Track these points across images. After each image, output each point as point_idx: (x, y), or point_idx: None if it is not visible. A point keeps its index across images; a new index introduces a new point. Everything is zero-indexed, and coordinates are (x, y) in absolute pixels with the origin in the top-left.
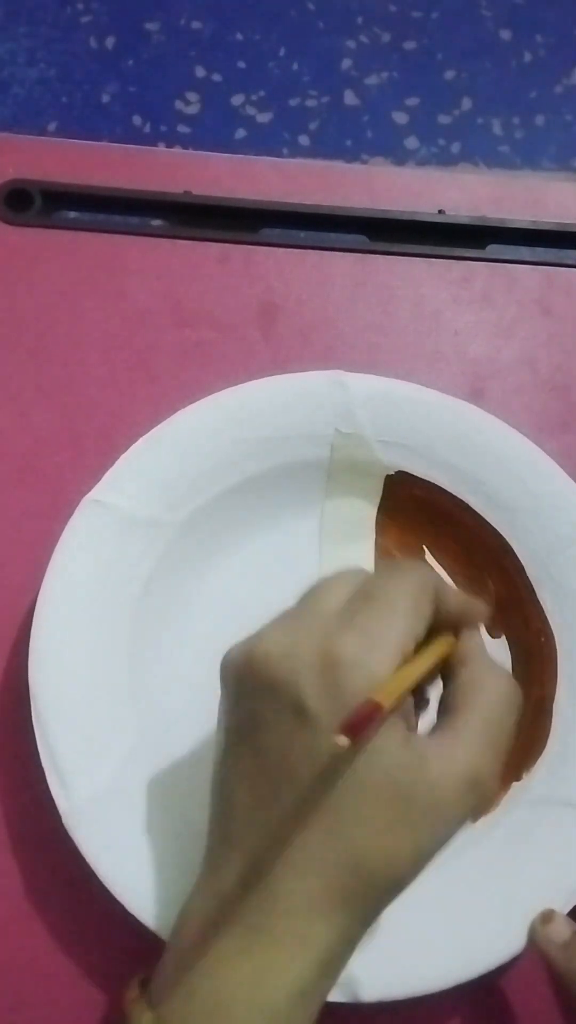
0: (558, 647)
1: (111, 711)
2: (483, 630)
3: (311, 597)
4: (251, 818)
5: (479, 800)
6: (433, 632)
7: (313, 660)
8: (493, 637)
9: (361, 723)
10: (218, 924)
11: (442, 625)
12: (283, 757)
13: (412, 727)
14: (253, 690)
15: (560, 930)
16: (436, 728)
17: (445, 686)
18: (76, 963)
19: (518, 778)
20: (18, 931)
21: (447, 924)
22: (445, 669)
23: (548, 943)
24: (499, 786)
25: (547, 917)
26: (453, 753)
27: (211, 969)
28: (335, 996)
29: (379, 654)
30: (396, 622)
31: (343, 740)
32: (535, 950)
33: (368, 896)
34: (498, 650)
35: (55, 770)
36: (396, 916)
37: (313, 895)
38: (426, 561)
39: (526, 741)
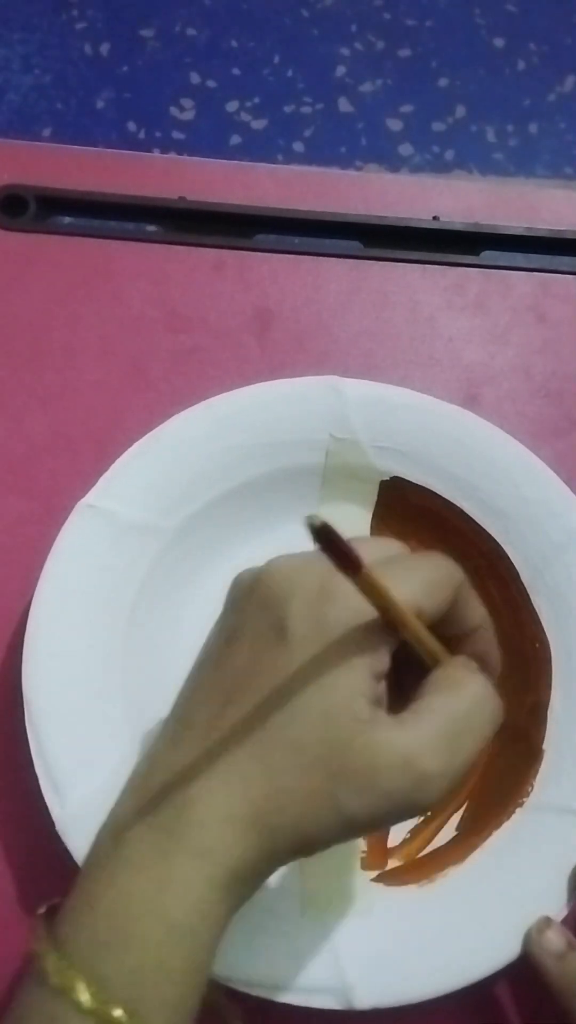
0: (553, 653)
1: (105, 717)
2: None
3: None
4: (194, 721)
5: (415, 788)
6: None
7: (311, 587)
8: None
9: (336, 548)
10: (131, 826)
11: (451, 632)
12: (248, 669)
13: (380, 703)
14: (248, 602)
15: (555, 940)
16: (403, 709)
17: (427, 675)
18: None
19: (515, 784)
20: (11, 938)
21: (442, 930)
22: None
23: (543, 952)
24: (449, 787)
25: (542, 926)
26: (403, 729)
27: (115, 877)
28: (330, 1003)
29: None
30: (402, 585)
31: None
32: (530, 958)
33: (278, 835)
34: None
35: (48, 776)
36: (391, 922)
37: (228, 812)
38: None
39: (522, 747)
